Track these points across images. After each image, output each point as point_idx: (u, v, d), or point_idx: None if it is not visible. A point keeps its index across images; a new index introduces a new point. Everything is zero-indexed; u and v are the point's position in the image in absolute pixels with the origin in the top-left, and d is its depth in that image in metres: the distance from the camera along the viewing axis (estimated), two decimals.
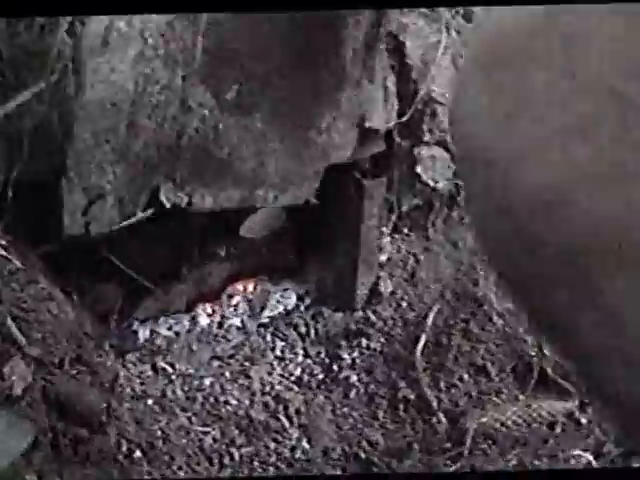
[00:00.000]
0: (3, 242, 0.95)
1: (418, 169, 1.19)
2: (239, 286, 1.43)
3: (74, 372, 0.94)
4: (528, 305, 0.30)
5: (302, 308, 1.33)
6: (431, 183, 1.20)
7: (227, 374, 1.23)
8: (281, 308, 1.34)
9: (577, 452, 1.12)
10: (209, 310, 1.34)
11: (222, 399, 1.19)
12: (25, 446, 0.78)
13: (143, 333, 1.27)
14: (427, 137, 1.18)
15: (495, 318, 1.22)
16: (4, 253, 0.94)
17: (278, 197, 1.09)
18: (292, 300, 1.36)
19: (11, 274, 0.94)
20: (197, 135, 0.96)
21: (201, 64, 0.90)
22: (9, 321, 0.88)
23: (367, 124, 1.11)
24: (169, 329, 1.29)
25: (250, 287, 1.42)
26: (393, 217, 1.28)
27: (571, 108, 0.28)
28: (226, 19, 0.90)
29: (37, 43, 0.83)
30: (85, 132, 0.87)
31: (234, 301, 1.37)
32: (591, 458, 1.12)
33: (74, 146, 0.88)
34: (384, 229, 1.26)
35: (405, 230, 1.30)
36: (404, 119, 1.12)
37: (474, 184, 0.31)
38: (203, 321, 1.32)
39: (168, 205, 0.98)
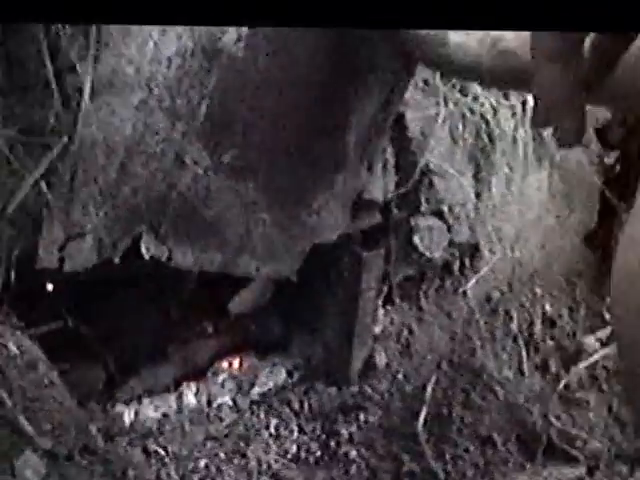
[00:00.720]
0: None
1: (415, 239, 1.19)
2: (224, 363, 1.40)
3: (85, 462, 0.89)
4: None
5: (293, 383, 1.31)
6: (427, 254, 1.20)
7: (222, 454, 1.19)
8: (271, 384, 1.31)
9: None
10: (194, 389, 1.30)
11: None
12: None
13: (129, 415, 1.22)
14: (424, 207, 1.18)
15: (496, 388, 1.21)
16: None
17: (260, 268, 1.06)
18: (282, 376, 1.33)
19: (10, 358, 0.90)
20: (187, 191, 0.94)
21: (202, 123, 0.89)
22: (19, 413, 0.83)
23: (366, 196, 1.12)
24: (155, 410, 1.24)
25: (235, 363, 1.39)
26: (385, 288, 1.27)
27: None
28: (234, 86, 0.90)
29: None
30: (75, 168, 0.84)
31: (220, 378, 1.33)
32: None
33: (61, 180, 0.84)
34: (378, 301, 1.25)
35: (397, 301, 1.29)
36: (403, 191, 1.13)
37: None
38: (191, 400, 1.28)
39: (147, 256, 0.93)
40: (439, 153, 1.15)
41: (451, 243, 1.23)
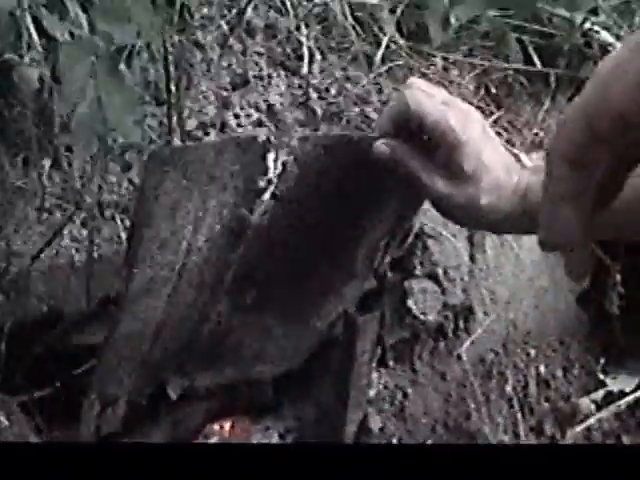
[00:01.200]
0: None
1: (409, 302, 1.19)
2: (216, 426, 1.38)
3: None
4: None
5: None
6: (421, 317, 1.20)
7: None
8: None
9: None
10: None
11: None
12: None
13: None
14: (418, 270, 1.18)
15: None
16: None
17: (273, 370, 1.13)
18: (274, 439, 1.32)
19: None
20: (210, 335, 1.00)
21: (229, 286, 0.95)
22: None
23: None
24: None
25: (227, 426, 1.37)
26: (379, 350, 1.27)
27: None
28: (258, 251, 0.94)
29: None
30: (111, 356, 0.92)
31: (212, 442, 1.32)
32: None
33: (102, 366, 0.92)
34: (373, 364, 1.25)
35: (391, 363, 1.29)
36: (398, 255, 1.13)
37: None
38: None
39: (174, 397, 1.01)
40: (433, 216, 1.16)
41: (445, 305, 1.23)
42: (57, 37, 0.78)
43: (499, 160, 0.76)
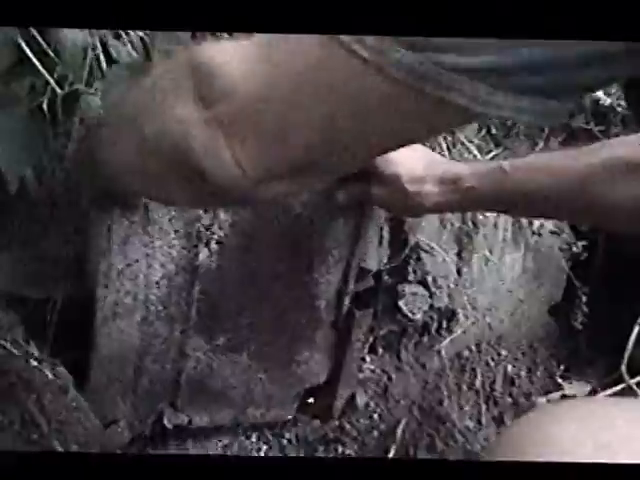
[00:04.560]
0: (36, 355, 1.07)
1: (400, 303, 1.38)
2: None
3: None
4: None
5: None
6: (410, 315, 1.39)
7: None
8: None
9: None
10: None
11: None
12: None
13: None
14: (411, 276, 1.37)
15: (457, 435, 1.41)
16: (39, 365, 1.06)
17: (264, 415, 1.31)
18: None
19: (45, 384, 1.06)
20: (194, 371, 1.19)
21: (196, 321, 1.15)
22: (52, 435, 0.99)
23: (362, 265, 1.30)
24: None
25: None
26: (371, 338, 1.46)
27: None
28: (214, 290, 1.15)
29: None
30: (100, 376, 1.10)
31: None
32: None
33: (90, 387, 1.09)
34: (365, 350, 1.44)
35: (380, 351, 1.48)
36: (395, 264, 1.32)
37: None
38: None
39: (170, 426, 1.19)
40: (428, 233, 1.34)
41: (431, 307, 1.41)
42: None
43: (418, 158, 1.03)
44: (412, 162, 1.03)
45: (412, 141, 0.71)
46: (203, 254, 1.10)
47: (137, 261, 1.06)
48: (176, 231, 1.07)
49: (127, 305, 1.08)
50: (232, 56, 0.60)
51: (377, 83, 0.53)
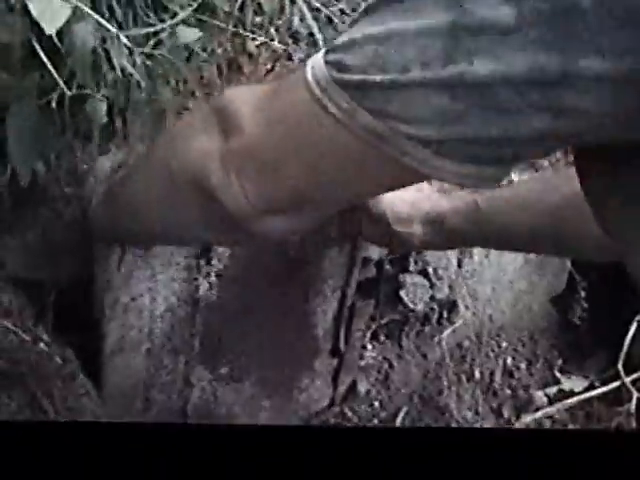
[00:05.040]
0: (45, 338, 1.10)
1: (401, 293, 1.41)
2: None
3: None
4: None
5: None
6: (411, 305, 1.42)
7: None
8: None
9: None
10: None
11: None
12: None
13: None
14: (412, 267, 1.40)
15: (454, 425, 1.43)
16: (47, 349, 1.09)
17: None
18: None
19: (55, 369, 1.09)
20: (199, 400, 1.25)
21: (199, 351, 1.20)
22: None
23: (364, 254, 1.33)
24: None
25: None
26: (374, 326, 1.49)
27: None
28: (216, 321, 1.20)
29: None
30: (110, 410, 1.12)
31: None
32: None
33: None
34: (366, 337, 1.47)
35: (382, 339, 1.51)
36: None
37: None
38: None
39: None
40: None
41: (432, 298, 1.44)
42: (128, 69, 0.97)
43: (405, 198, 1.10)
44: (399, 202, 1.11)
45: (376, 193, 0.88)
46: (203, 287, 1.15)
47: (141, 295, 1.10)
48: (177, 264, 1.12)
49: (132, 338, 1.13)
50: (245, 99, 0.72)
51: (348, 140, 0.62)
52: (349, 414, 1.47)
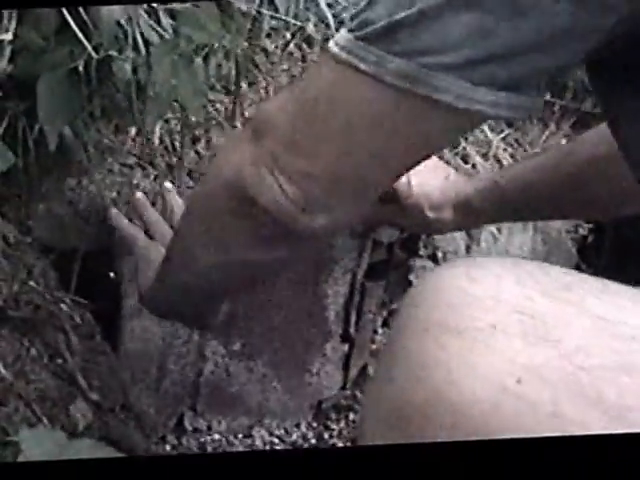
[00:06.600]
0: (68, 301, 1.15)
1: (411, 277, 1.45)
2: None
3: (122, 416, 1.13)
4: None
5: None
6: None
7: None
8: None
9: None
10: None
11: None
12: None
13: None
14: (422, 252, 1.44)
15: None
16: (68, 310, 1.14)
17: (279, 424, 1.39)
18: None
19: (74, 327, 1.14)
20: (212, 375, 1.29)
21: None
22: (76, 370, 1.07)
23: (375, 237, 1.38)
24: None
25: None
26: (384, 312, 1.53)
27: None
28: (232, 304, 1.22)
29: None
30: (124, 372, 1.16)
31: None
32: None
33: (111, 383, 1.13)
34: (377, 322, 1.51)
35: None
36: (405, 236, 1.39)
37: None
38: None
39: (190, 428, 1.28)
40: None
41: None
42: (150, 39, 1.03)
43: (435, 184, 1.14)
44: (430, 190, 1.15)
45: (410, 162, 0.73)
46: None
47: None
48: None
49: None
50: (271, 101, 0.77)
51: (381, 94, 0.62)
52: (360, 396, 1.50)
